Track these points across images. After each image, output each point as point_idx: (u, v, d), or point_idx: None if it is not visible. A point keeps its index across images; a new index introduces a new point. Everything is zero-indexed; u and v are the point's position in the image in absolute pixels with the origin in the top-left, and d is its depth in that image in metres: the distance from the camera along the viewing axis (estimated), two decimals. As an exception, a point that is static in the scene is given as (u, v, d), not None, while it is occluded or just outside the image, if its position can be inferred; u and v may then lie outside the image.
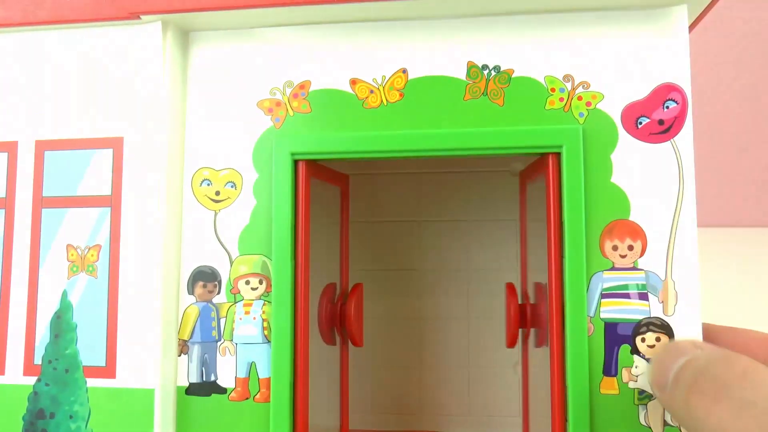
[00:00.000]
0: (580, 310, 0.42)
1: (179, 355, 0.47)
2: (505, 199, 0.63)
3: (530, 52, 0.45)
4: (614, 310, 0.42)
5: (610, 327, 0.42)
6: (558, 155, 0.44)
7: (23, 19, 0.49)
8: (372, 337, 0.64)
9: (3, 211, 0.49)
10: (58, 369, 0.47)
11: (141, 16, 0.47)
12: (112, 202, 0.47)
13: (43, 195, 0.48)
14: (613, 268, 0.42)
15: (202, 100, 0.48)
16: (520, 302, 0.50)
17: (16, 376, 0.47)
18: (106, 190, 0.47)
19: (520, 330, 0.49)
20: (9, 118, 0.49)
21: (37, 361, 0.47)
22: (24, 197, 0.49)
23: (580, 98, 0.44)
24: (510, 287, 0.50)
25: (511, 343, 0.49)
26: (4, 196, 0.49)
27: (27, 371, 0.47)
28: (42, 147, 0.49)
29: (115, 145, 0.48)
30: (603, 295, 0.42)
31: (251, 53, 0.48)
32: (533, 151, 0.44)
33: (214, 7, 0.46)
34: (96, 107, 0.48)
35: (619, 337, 0.41)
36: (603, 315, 0.42)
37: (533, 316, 0.48)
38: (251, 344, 0.46)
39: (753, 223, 0.92)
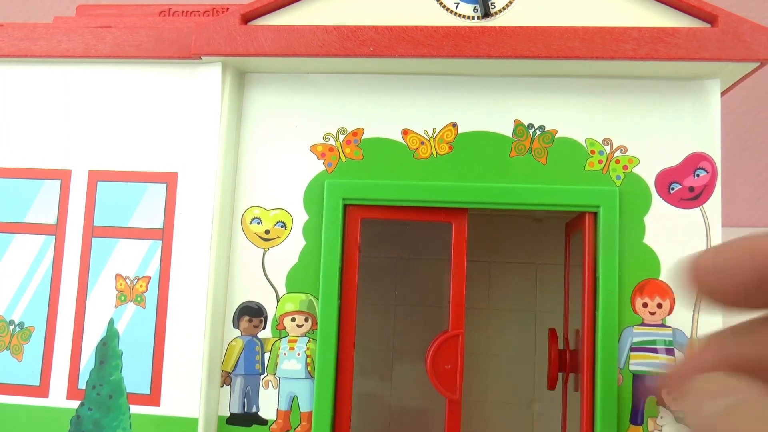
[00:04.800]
0: (611, 362, 0.48)
1: (222, 386, 0.52)
2: (525, 243, 0.69)
3: (573, 115, 0.52)
4: (642, 363, 0.48)
5: (638, 379, 0.48)
6: (595, 214, 0.50)
7: (84, 52, 0.54)
8: (398, 369, 0.70)
9: (54, 237, 0.54)
10: (102, 394, 0.52)
11: (202, 57, 0.53)
12: (164, 235, 0.53)
13: (95, 224, 0.54)
14: (642, 324, 0.49)
15: (255, 140, 0.54)
16: (561, 347, 0.56)
17: (59, 399, 0.53)
18: (158, 224, 0.53)
19: (560, 374, 0.56)
20: (64, 146, 0.55)
21: (81, 386, 0.52)
22: (75, 225, 0.54)
23: (617, 161, 0.51)
24: (552, 333, 0.57)
25: (551, 386, 0.56)
26: (55, 222, 0.54)
27: (71, 395, 0.52)
28: (95, 177, 0.54)
29: (170, 180, 0.53)
30: (632, 349, 0.49)
31: (306, 98, 0.54)
32: (572, 209, 0.51)
33: (276, 53, 0.52)
34: (152, 142, 0.54)
35: (646, 389, 0.48)
36: (632, 367, 0.48)
37: (572, 362, 0.55)
38: (294, 379, 0.51)
39: (753, 223, 0.95)
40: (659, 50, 0.49)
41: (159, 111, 0.54)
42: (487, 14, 0.51)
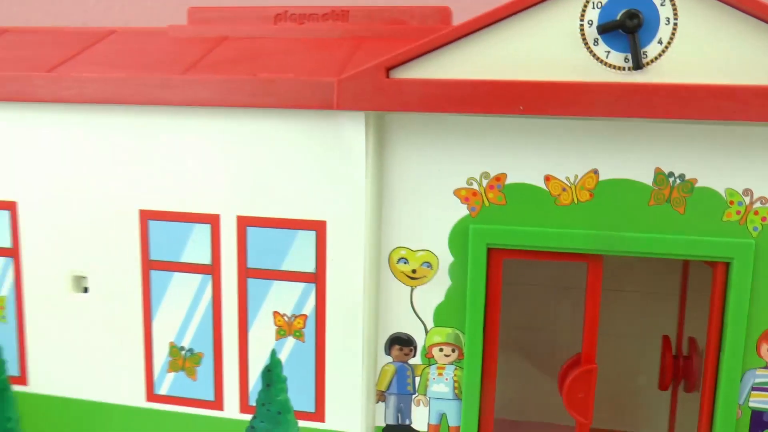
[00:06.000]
0: (732, 400, 0.54)
1: (377, 402, 0.60)
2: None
3: (715, 164, 0.53)
4: (761, 401, 0.55)
5: (756, 414, 0.55)
6: (728, 264, 0.54)
7: (222, 101, 0.54)
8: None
9: (210, 277, 0.58)
10: (272, 411, 0.59)
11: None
12: (317, 278, 0.57)
13: (248, 266, 0.58)
14: (765, 367, 0.54)
15: (399, 184, 0.56)
16: (674, 354, 0.62)
17: (233, 412, 0.60)
18: (310, 268, 0.57)
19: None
20: (210, 191, 0.57)
21: (252, 402, 0.60)
22: (229, 266, 0.58)
23: (756, 213, 0.53)
24: (665, 340, 0.62)
25: (664, 388, 0.63)
26: (210, 263, 0.58)
27: (243, 409, 0.60)
28: (244, 222, 0.57)
29: (318, 227, 0.56)
30: (753, 388, 0.54)
31: (449, 141, 0.55)
32: (705, 259, 0.54)
33: (422, 109, 0.52)
34: (297, 190, 0.56)
35: (763, 423, 0.55)
36: (751, 404, 0.55)
37: (685, 368, 0.61)
38: (443, 399, 0.59)
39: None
40: (819, 113, 0.49)
41: (299, 158, 0.55)
42: (638, 67, 0.51)
